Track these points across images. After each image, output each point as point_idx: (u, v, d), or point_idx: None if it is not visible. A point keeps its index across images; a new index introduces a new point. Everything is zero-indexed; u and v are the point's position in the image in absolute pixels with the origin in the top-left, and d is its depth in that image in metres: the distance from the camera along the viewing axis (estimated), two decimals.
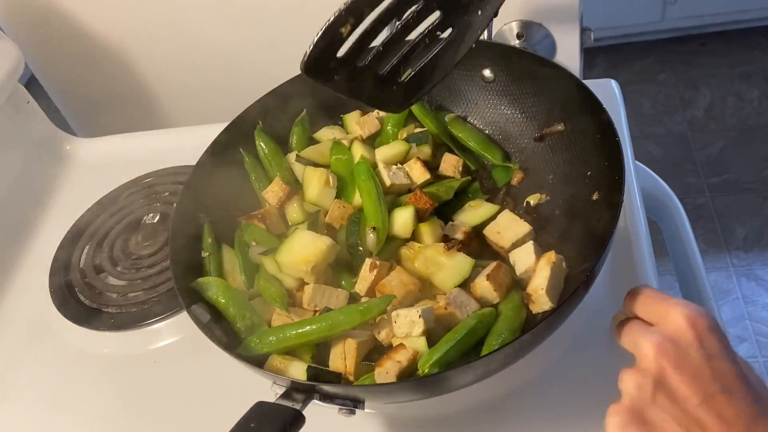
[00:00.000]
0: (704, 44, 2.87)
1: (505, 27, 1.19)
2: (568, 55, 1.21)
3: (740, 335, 2.01)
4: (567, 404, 0.75)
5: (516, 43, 1.20)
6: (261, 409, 0.63)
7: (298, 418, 0.62)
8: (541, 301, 0.72)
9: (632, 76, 2.82)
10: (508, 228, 0.82)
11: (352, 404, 0.65)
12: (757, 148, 2.48)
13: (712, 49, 2.85)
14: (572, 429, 0.73)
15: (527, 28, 1.18)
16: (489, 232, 0.83)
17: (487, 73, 0.94)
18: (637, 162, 1.02)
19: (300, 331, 0.73)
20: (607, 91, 1.05)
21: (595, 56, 2.89)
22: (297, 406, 0.63)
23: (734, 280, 2.15)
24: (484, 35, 0.95)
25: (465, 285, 0.77)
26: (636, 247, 0.86)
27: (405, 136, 0.93)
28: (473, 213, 0.86)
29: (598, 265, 0.67)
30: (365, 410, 0.68)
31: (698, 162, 2.48)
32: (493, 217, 0.84)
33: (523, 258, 0.77)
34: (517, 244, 0.80)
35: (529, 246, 0.78)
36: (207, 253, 0.84)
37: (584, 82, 0.84)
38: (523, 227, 0.81)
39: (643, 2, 2.69)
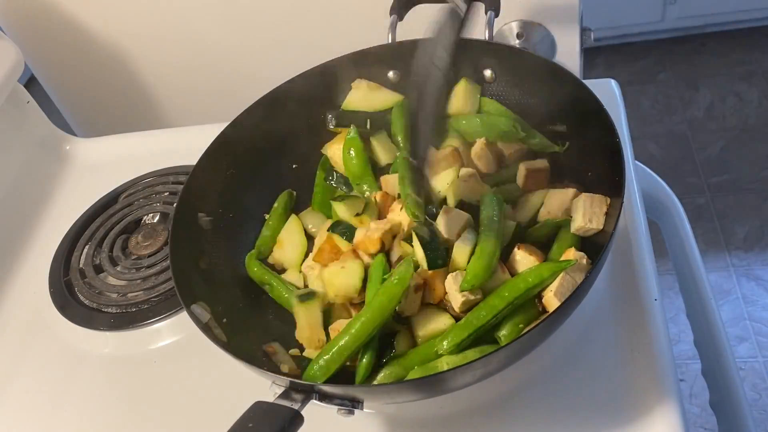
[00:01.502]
0: (704, 44, 2.87)
1: (505, 27, 1.19)
2: (568, 55, 1.21)
3: (740, 335, 2.01)
4: (567, 404, 0.75)
5: (516, 43, 1.20)
6: (259, 408, 0.63)
7: (297, 418, 0.62)
8: (551, 303, 0.72)
9: (632, 76, 2.82)
10: (553, 203, 0.82)
11: (351, 404, 0.65)
12: (757, 148, 2.48)
13: (712, 49, 2.85)
14: (572, 429, 0.73)
15: (527, 28, 1.19)
16: (542, 216, 0.83)
17: (487, 73, 0.94)
18: (637, 162, 1.02)
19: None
20: (607, 91, 1.05)
21: (595, 56, 2.89)
22: (295, 406, 0.63)
23: (734, 280, 2.15)
24: (485, 35, 0.96)
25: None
26: (636, 247, 0.86)
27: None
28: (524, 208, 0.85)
29: (598, 265, 0.67)
30: (364, 410, 0.68)
31: (698, 162, 2.48)
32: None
33: (576, 210, 0.79)
34: (568, 210, 0.80)
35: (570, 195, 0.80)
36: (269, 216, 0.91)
37: (584, 82, 0.84)
38: (567, 193, 0.81)
39: (643, 2, 2.69)
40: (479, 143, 0.88)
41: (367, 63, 0.96)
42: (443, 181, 0.85)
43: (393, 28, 0.97)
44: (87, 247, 1.04)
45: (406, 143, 0.90)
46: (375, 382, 0.71)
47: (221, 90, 1.38)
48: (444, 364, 0.71)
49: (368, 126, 0.93)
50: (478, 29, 0.96)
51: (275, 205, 0.93)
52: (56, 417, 0.87)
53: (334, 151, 0.94)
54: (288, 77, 0.95)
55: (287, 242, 0.89)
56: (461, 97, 0.92)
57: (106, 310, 0.95)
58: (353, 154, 0.90)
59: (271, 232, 0.91)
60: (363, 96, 0.95)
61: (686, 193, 2.38)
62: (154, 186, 1.11)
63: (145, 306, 0.94)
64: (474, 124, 0.91)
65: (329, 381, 0.72)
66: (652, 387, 0.73)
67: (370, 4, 1.20)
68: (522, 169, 0.86)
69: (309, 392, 0.64)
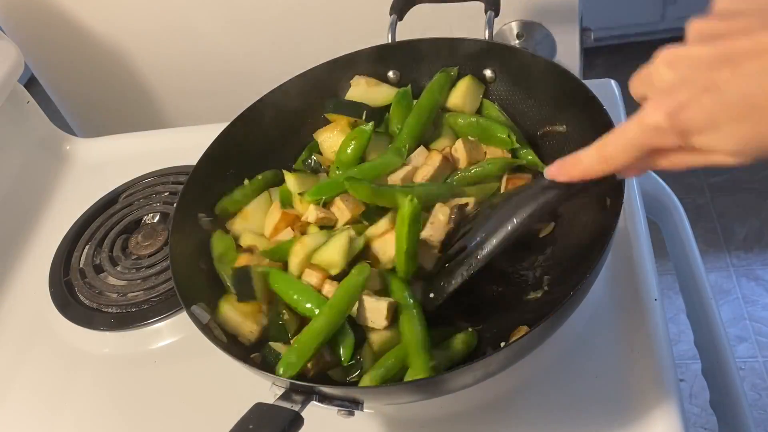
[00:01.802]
0: None
1: (505, 27, 1.19)
2: (568, 55, 1.21)
3: (740, 335, 2.01)
4: (567, 404, 0.75)
5: (516, 43, 1.20)
6: (259, 410, 0.63)
7: (297, 420, 0.62)
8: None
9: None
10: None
11: (351, 405, 0.65)
12: None
13: None
14: (572, 429, 0.73)
15: (527, 28, 1.19)
16: None
17: (488, 73, 0.93)
18: None
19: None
20: (607, 91, 1.05)
21: (595, 56, 2.89)
22: (295, 408, 0.63)
23: (734, 280, 2.15)
24: (485, 35, 0.96)
25: None
26: (636, 247, 0.86)
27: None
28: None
29: (597, 265, 0.67)
30: (364, 411, 0.68)
31: None
32: None
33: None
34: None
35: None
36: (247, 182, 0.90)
37: (584, 82, 0.84)
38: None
39: (643, 2, 2.68)
40: (461, 141, 0.88)
41: (367, 63, 0.96)
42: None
43: (393, 27, 0.97)
44: (87, 247, 1.04)
45: (402, 134, 0.90)
46: (374, 383, 0.71)
47: (221, 90, 1.38)
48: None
49: (364, 117, 0.92)
50: (478, 29, 0.96)
51: (258, 176, 0.92)
52: (56, 417, 0.87)
53: (325, 138, 0.93)
54: (288, 77, 0.95)
55: (252, 216, 0.89)
56: (462, 94, 0.91)
57: (106, 310, 0.95)
58: (354, 145, 0.88)
59: (241, 198, 0.89)
60: (362, 92, 0.95)
61: (686, 193, 2.38)
62: (154, 186, 1.11)
63: (145, 306, 0.94)
64: (470, 126, 0.90)
65: (328, 381, 0.72)
66: (652, 387, 0.73)
67: (370, 4, 1.20)
68: (504, 180, 0.85)
69: (309, 393, 0.64)
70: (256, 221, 0.88)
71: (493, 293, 0.80)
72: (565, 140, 0.87)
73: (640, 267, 0.84)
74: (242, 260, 0.82)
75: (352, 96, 0.96)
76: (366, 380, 0.70)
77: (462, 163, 0.87)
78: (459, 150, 0.88)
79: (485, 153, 0.89)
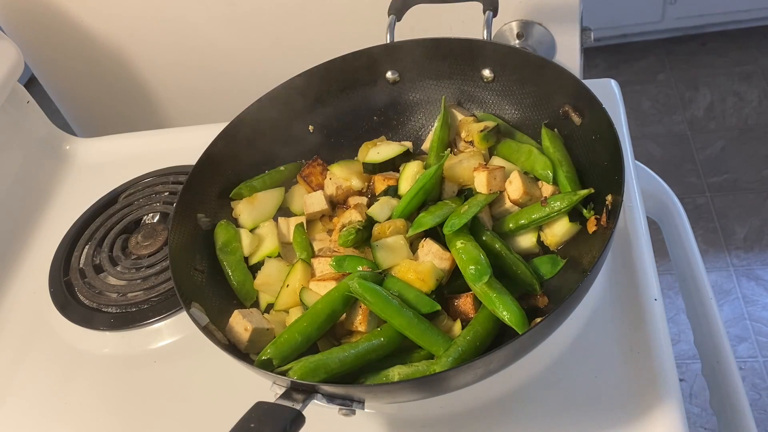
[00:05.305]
0: (704, 44, 2.87)
1: (505, 27, 1.19)
2: (568, 55, 1.21)
3: (740, 335, 2.02)
4: (567, 404, 0.75)
5: (516, 43, 1.20)
6: (261, 409, 0.63)
7: (298, 418, 0.62)
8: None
9: (632, 76, 2.82)
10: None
11: (353, 404, 0.65)
12: (757, 148, 2.48)
13: (712, 49, 2.85)
14: (572, 429, 0.73)
15: (527, 28, 1.19)
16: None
17: (486, 72, 0.94)
18: (637, 162, 1.02)
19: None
20: (607, 91, 1.05)
21: (595, 56, 2.90)
22: (297, 406, 0.63)
23: (734, 280, 2.15)
24: (484, 35, 0.96)
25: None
26: (636, 247, 0.86)
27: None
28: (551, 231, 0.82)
29: (597, 265, 0.67)
30: (365, 410, 0.68)
31: (698, 162, 2.48)
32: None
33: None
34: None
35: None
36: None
37: (584, 82, 0.84)
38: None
39: (643, 2, 2.69)
40: (518, 175, 0.83)
41: (365, 63, 0.96)
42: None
43: (391, 28, 0.97)
44: (87, 247, 1.04)
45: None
46: (377, 382, 0.71)
47: (221, 90, 1.38)
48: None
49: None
50: (476, 30, 0.96)
51: (282, 168, 0.95)
52: (56, 417, 0.87)
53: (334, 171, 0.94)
54: (287, 77, 0.95)
55: (259, 203, 0.92)
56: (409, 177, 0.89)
57: (106, 310, 0.95)
58: (300, 234, 0.88)
59: (259, 186, 0.93)
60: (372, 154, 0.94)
61: (686, 193, 2.38)
62: (154, 186, 1.11)
63: (145, 306, 0.94)
64: (513, 150, 0.89)
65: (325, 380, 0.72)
66: (652, 387, 0.73)
67: (369, 4, 1.20)
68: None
69: (310, 392, 0.64)
70: (261, 209, 0.91)
71: None
72: (565, 139, 0.87)
73: (640, 267, 0.84)
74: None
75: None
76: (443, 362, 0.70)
77: (514, 195, 0.83)
78: (515, 182, 0.83)
79: (540, 189, 0.84)
